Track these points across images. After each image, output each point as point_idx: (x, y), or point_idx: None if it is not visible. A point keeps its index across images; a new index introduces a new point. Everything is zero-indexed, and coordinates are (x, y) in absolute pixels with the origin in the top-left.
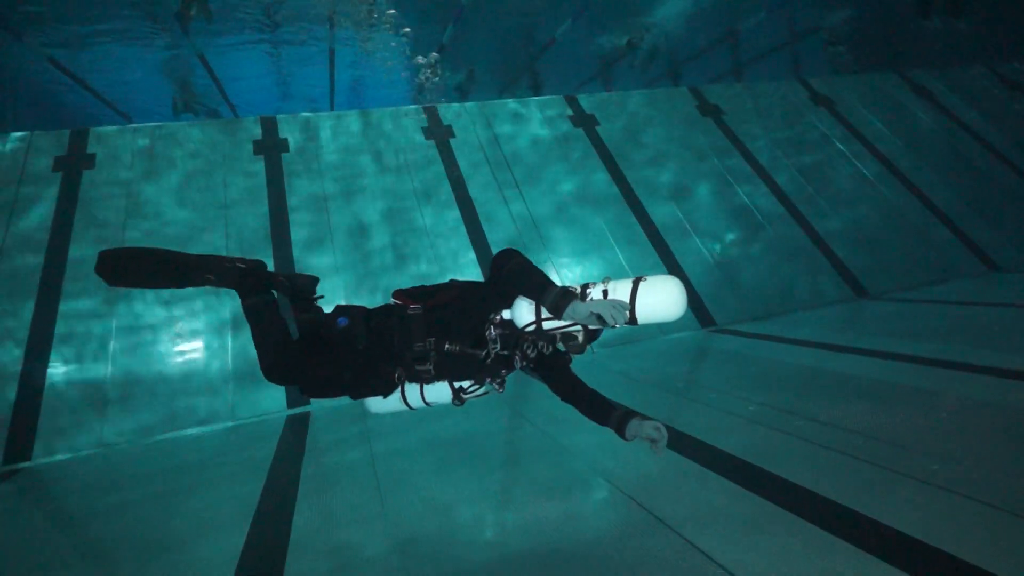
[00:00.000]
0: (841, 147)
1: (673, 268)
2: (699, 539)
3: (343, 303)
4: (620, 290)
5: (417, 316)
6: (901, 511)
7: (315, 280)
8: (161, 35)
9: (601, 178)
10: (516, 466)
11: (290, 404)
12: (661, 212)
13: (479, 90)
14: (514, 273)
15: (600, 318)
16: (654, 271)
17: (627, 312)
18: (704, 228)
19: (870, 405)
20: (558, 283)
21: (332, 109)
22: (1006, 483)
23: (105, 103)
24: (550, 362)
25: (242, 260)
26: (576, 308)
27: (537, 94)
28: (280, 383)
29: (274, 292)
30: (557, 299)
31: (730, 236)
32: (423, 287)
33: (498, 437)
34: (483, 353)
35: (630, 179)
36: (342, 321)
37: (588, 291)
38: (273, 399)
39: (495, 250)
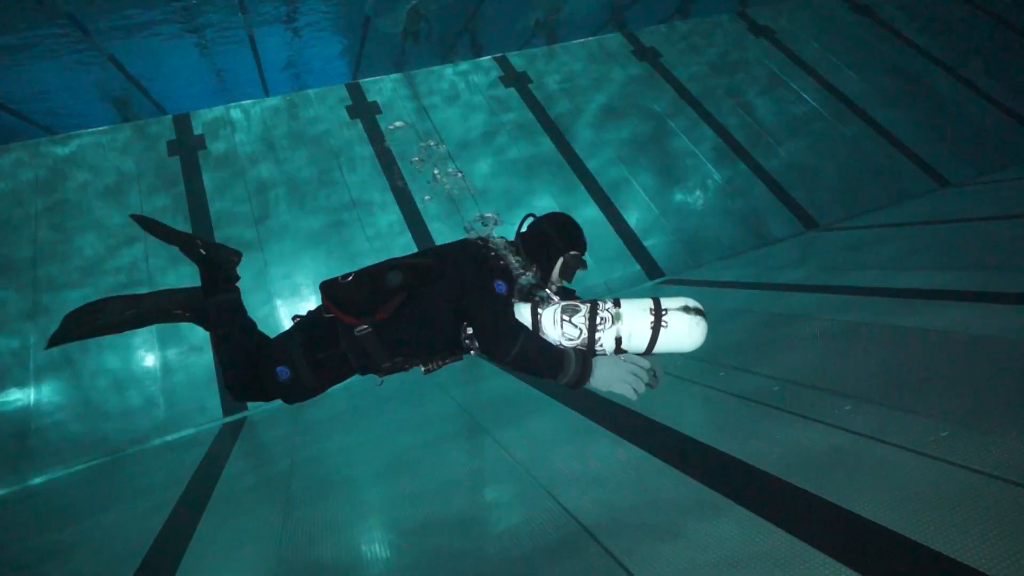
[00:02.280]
0: (783, 76)
1: (618, 221)
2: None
3: (283, 332)
4: (636, 331)
5: (368, 337)
6: (798, 468)
7: (237, 254)
8: (62, 40)
9: (538, 137)
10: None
11: (225, 412)
12: (602, 165)
13: (418, 57)
14: (524, 360)
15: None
16: (605, 239)
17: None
18: (646, 177)
19: (804, 348)
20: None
21: (267, 95)
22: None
23: (21, 118)
24: None
25: (207, 245)
26: (596, 384)
27: (479, 55)
28: (249, 400)
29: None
30: (577, 377)
31: (674, 182)
32: (355, 282)
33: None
34: (461, 355)
35: (567, 136)
36: (282, 372)
37: (599, 330)
38: (208, 408)
39: (428, 221)
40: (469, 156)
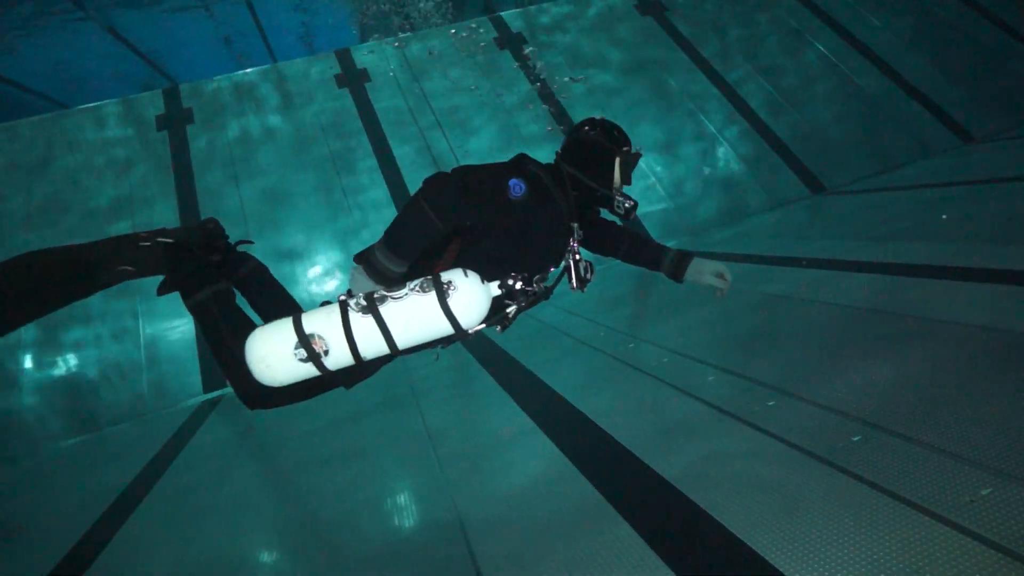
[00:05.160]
0: (796, 26)
1: None
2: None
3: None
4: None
5: None
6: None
7: (212, 224)
8: (59, 14)
9: (534, 103)
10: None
11: (206, 388)
12: None
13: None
14: (414, 203)
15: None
16: None
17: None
18: (646, 142)
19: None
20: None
21: (274, 62)
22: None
23: (33, 93)
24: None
25: (163, 232)
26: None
27: (491, 13)
28: (269, 407)
29: (219, 269)
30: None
31: (675, 146)
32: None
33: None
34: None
35: (564, 103)
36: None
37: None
38: (188, 383)
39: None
40: (459, 129)
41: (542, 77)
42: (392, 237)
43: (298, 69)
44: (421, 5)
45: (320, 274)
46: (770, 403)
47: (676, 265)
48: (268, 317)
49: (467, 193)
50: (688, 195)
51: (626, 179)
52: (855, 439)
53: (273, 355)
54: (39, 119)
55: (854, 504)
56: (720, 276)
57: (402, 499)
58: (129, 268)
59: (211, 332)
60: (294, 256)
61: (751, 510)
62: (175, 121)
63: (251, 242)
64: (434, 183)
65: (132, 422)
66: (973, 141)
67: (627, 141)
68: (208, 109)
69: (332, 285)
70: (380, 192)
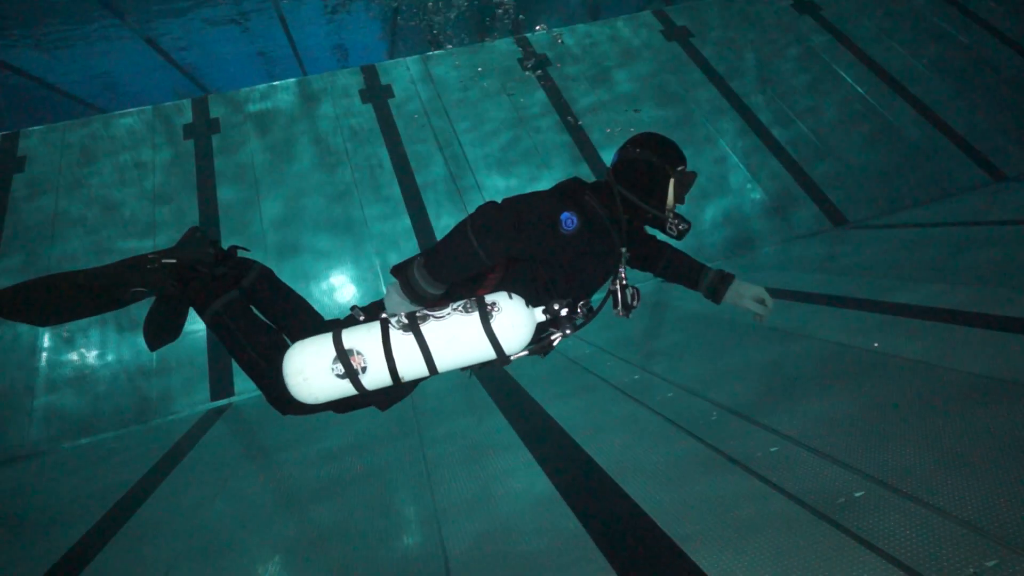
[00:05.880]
0: (826, 58)
1: None
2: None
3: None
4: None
5: None
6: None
7: (199, 232)
8: (99, 23)
9: (555, 131)
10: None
11: (214, 396)
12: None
13: (455, 34)
14: (461, 232)
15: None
16: None
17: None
18: None
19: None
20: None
21: (305, 74)
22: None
23: (72, 98)
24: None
25: (168, 252)
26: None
27: (518, 32)
28: (300, 414)
29: (226, 280)
30: (411, 286)
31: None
32: (435, 260)
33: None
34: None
35: (586, 127)
36: None
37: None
38: (196, 391)
39: (435, 224)
40: (480, 148)
41: (563, 98)
42: (433, 261)
43: (323, 83)
44: (444, 21)
45: (336, 287)
46: (772, 449)
47: (715, 287)
48: (282, 320)
49: (517, 228)
50: (705, 222)
51: (679, 199)
52: (858, 494)
53: (310, 367)
54: (73, 123)
55: (848, 564)
56: (760, 301)
57: (391, 526)
58: (142, 289)
59: (229, 342)
60: (310, 269)
61: (742, 563)
62: (201, 131)
63: (247, 249)
64: (484, 215)
65: (138, 427)
66: (1007, 179)
67: (682, 159)
68: (234, 120)
69: (346, 300)
70: (399, 207)
